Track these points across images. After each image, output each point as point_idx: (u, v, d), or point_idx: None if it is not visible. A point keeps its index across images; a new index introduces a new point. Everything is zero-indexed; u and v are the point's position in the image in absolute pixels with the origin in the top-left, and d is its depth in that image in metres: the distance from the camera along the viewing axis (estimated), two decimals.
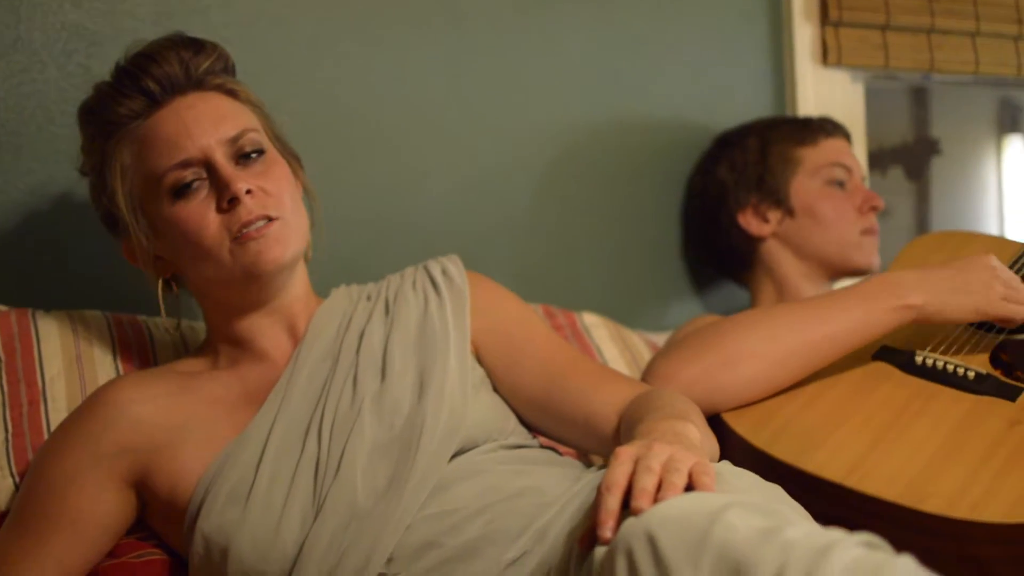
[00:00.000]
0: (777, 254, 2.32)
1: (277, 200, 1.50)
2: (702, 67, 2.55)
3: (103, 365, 1.68)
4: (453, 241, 2.14)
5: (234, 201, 1.47)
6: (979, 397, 1.64)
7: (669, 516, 1.06)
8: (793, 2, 2.64)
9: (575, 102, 2.38)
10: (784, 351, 1.67)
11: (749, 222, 2.32)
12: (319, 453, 1.45)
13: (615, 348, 2.13)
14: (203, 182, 1.49)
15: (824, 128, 2.33)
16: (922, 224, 3.39)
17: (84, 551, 1.45)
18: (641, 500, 1.11)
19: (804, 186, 2.28)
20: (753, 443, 1.61)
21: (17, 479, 1.56)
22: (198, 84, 1.54)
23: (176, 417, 1.48)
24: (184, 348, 1.75)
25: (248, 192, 1.47)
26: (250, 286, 1.52)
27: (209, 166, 1.48)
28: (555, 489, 1.38)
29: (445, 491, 1.41)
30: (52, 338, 1.67)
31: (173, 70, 1.52)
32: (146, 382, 1.51)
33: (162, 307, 1.57)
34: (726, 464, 1.33)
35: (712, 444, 1.47)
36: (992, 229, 3.47)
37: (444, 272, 1.67)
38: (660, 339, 2.27)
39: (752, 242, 2.34)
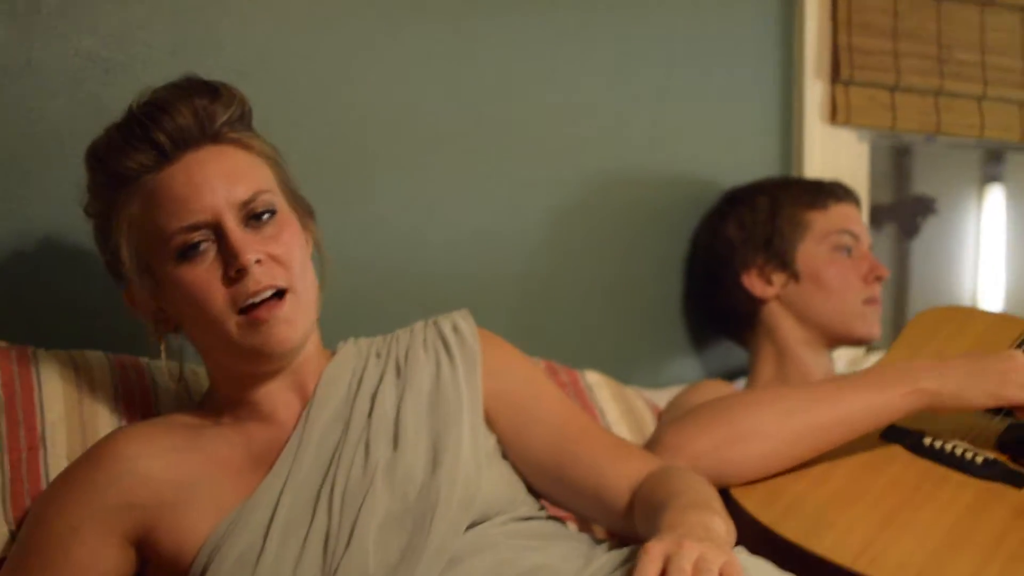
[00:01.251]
0: (778, 318, 2.30)
1: (287, 267, 1.46)
2: (711, 121, 2.54)
3: (104, 411, 1.64)
4: (455, 291, 2.13)
5: (242, 271, 1.42)
6: (986, 483, 1.63)
7: None
8: (805, 59, 2.63)
9: (582, 154, 2.37)
10: (795, 431, 1.66)
11: (753, 283, 2.31)
12: (329, 522, 1.41)
13: (617, 409, 2.11)
14: (211, 244, 1.44)
15: (835, 193, 2.32)
16: (902, 274, 3.38)
17: None
18: None
19: (811, 251, 2.27)
20: (761, 520, 1.59)
21: (13, 527, 1.52)
22: (213, 138, 1.48)
23: (183, 474, 1.45)
24: (187, 395, 1.72)
25: (257, 262, 1.43)
26: (257, 360, 1.48)
27: (218, 230, 1.43)
28: (567, 569, 1.36)
29: (458, 565, 1.38)
30: (53, 380, 1.63)
31: (187, 122, 1.45)
32: (152, 436, 1.48)
33: (164, 361, 1.54)
34: (743, 551, 1.32)
35: (731, 530, 1.45)
36: (968, 278, 3.47)
37: (455, 330, 1.64)
38: (657, 396, 2.26)
39: (754, 303, 2.33)
